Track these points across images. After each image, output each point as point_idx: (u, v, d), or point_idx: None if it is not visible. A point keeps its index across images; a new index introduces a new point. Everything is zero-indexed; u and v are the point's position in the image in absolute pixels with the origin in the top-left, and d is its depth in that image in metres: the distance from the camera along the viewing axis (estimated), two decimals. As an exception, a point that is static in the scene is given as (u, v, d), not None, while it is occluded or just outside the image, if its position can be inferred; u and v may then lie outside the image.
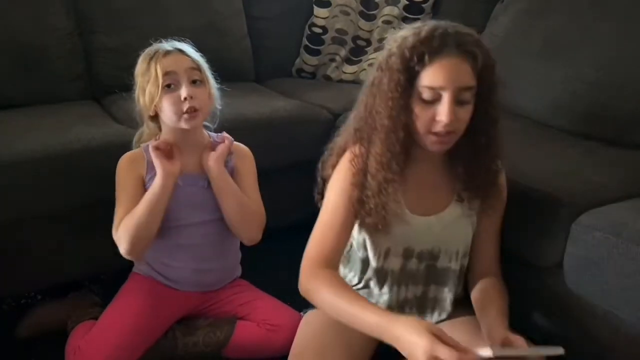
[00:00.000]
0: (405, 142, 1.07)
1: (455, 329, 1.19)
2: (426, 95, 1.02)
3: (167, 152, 1.24)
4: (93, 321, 1.32)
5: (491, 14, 1.96)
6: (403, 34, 1.06)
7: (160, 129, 1.32)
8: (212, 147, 1.32)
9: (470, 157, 1.11)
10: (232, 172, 1.34)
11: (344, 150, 1.18)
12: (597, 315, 1.20)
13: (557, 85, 1.61)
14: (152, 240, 1.25)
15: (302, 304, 1.36)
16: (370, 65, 2.12)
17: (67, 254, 1.48)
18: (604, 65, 1.54)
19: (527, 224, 1.23)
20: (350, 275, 1.28)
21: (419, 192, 1.16)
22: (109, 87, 1.81)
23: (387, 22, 2.13)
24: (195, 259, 1.33)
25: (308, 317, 1.27)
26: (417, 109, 1.04)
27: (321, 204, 1.20)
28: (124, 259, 1.35)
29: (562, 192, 1.21)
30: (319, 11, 2.15)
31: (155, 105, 1.24)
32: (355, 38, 2.16)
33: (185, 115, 1.23)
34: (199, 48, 1.31)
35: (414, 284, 1.21)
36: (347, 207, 1.13)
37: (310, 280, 1.09)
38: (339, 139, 1.21)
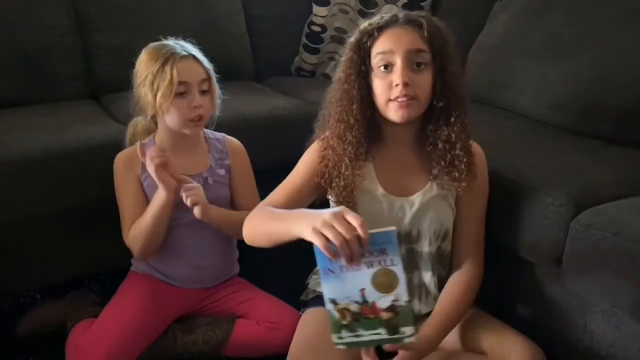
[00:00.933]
0: (361, 116, 1.12)
1: (455, 328, 1.19)
2: (379, 63, 1.09)
3: (165, 162, 1.23)
4: (93, 319, 1.32)
5: (490, 13, 1.96)
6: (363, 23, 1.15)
7: (156, 125, 1.33)
8: (210, 147, 1.36)
9: (435, 130, 1.14)
10: (228, 171, 1.35)
11: (317, 136, 1.23)
12: (597, 313, 1.20)
13: (556, 84, 1.61)
14: (162, 241, 1.30)
15: (301, 303, 1.37)
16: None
17: (66, 253, 1.48)
18: (603, 64, 1.54)
19: (526, 223, 1.23)
20: None
21: (395, 173, 1.18)
22: (109, 86, 1.81)
23: (386, 21, 2.13)
24: (193, 256, 1.34)
25: (307, 316, 1.27)
26: (375, 82, 1.11)
27: None
28: (123, 258, 1.36)
29: (561, 190, 1.21)
30: (318, 10, 2.15)
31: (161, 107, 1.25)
32: (355, 36, 2.16)
33: (191, 123, 1.26)
34: (198, 46, 1.31)
35: None
36: (305, 175, 1.19)
37: (247, 219, 1.15)
38: (317, 126, 1.25)
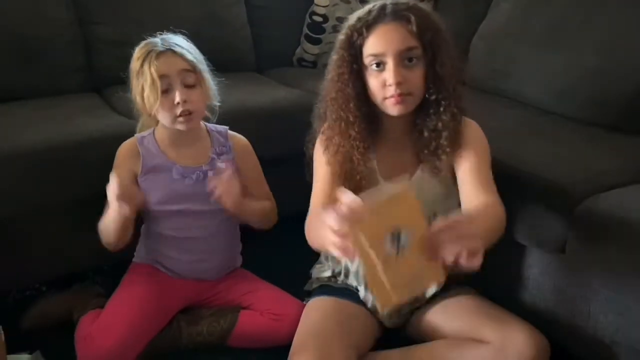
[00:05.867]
0: (360, 112, 1.14)
1: (458, 317, 1.20)
2: (371, 63, 1.10)
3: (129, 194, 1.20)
4: (99, 310, 1.33)
5: (492, 1, 1.95)
6: (351, 16, 1.15)
7: (157, 121, 1.32)
8: (212, 140, 1.35)
9: (422, 115, 1.16)
10: (235, 168, 1.34)
11: (317, 132, 1.24)
12: (601, 300, 1.20)
13: (558, 72, 1.61)
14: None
15: (303, 293, 1.37)
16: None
17: (70, 245, 1.48)
18: (606, 51, 1.53)
19: (530, 210, 1.23)
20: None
21: (391, 160, 1.20)
22: (110, 78, 1.80)
23: (388, 10, 2.12)
24: (192, 251, 1.34)
25: (311, 305, 1.28)
26: (370, 80, 1.12)
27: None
28: (127, 250, 1.36)
29: (565, 178, 1.21)
30: (319, 0, 2.14)
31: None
32: (356, 26, 2.15)
33: (180, 119, 1.24)
34: (199, 38, 1.30)
35: None
36: (331, 173, 1.19)
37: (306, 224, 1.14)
38: (314, 122, 1.26)
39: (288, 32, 2.17)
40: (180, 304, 1.36)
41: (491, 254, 1.36)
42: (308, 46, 2.17)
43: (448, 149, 1.15)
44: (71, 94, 1.76)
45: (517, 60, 1.73)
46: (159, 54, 1.21)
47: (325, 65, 2.12)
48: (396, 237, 0.80)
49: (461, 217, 0.86)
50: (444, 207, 1.19)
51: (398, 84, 1.08)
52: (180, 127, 1.26)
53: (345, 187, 1.17)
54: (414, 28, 1.08)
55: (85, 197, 1.43)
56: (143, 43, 1.26)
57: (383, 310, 1.22)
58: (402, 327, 1.29)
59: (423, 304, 1.26)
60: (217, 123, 1.40)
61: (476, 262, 0.83)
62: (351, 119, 1.15)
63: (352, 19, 1.14)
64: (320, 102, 1.22)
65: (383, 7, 1.11)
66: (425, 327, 1.24)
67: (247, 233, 1.46)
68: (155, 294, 1.31)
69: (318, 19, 2.15)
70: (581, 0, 1.66)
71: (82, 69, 1.82)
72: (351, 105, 1.14)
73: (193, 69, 1.24)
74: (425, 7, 1.13)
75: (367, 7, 1.13)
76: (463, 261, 0.81)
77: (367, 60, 1.11)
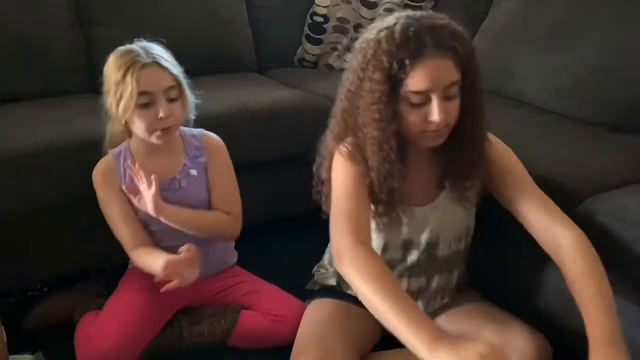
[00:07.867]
0: (399, 148, 1.05)
1: (459, 319, 1.20)
2: (414, 99, 1.01)
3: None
4: (99, 311, 1.33)
5: (493, 1, 1.95)
6: (376, 37, 1.02)
7: (130, 133, 1.29)
8: (185, 145, 1.30)
9: (455, 145, 1.09)
10: (204, 170, 1.32)
11: (332, 155, 1.14)
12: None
13: (560, 71, 1.61)
14: None
15: (303, 293, 1.37)
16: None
17: (72, 245, 1.48)
18: (607, 51, 1.53)
19: (531, 211, 1.23)
20: None
21: (414, 184, 1.13)
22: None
23: (389, 10, 2.12)
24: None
25: (312, 307, 1.28)
26: (407, 113, 1.03)
27: (322, 202, 1.21)
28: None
29: (566, 178, 1.21)
30: (320, 0, 2.14)
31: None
32: (357, 26, 2.15)
33: (158, 132, 1.21)
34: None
35: (416, 276, 1.21)
36: (360, 191, 1.08)
37: (350, 263, 1.00)
38: (327, 145, 1.17)
39: (289, 33, 2.18)
40: (179, 303, 1.36)
41: (491, 256, 1.36)
42: (309, 46, 2.17)
43: (480, 179, 1.12)
44: (72, 95, 1.76)
45: (517, 60, 1.73)
46: (144, 65, 1.18)
47: (326, 66, 2.16)
48: None
49: None
50: (461, 229, 1.20)
51: (442, 121, 1.01)
52: (155, 140, 1.23)
53: (387, 212, 1.12)
54: (460, 60, 1.01)
55: (88, 197, 1.44)
56: (122, 50, 1.22)
57: None
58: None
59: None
60: (212, 124, 1.38)
61: None
62: (394, 157, 1.05)
63: (385, 44, 1.00)
64: (345, 127, 1.11)
65: (421, 33, 0.99)
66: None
67: (247, 233, 1.46)
68: (152, 295, 1.29)
69: (319, 19, 2.15)
70: (582, 0, 1.66)
71: (82, 70, 1.82)
72: (394, 143, 1.04)
73: (177, 84, 1.22)
74: (460, 28, 1.03)
75: (399, 30, 0.99)
76: None
77: (407, 94, 1.01)
